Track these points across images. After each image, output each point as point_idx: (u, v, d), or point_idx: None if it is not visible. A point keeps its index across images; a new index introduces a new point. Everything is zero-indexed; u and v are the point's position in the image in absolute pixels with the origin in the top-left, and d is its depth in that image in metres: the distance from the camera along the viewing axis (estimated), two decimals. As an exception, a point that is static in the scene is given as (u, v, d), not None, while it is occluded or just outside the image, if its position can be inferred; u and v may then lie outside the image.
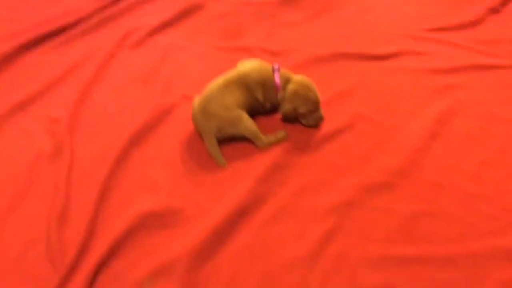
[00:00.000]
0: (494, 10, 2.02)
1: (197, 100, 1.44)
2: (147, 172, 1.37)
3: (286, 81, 1.45)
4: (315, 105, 1.43)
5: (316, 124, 1.48)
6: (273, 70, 1.47)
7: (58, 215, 1.25)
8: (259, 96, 1.46)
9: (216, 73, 1.68)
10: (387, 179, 1.37)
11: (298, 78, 1.45)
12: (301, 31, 1.89)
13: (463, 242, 1.23)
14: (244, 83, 1.44)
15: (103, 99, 1.57)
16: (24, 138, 1.44)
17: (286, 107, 1.43)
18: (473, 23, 1.95)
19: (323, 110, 1.55)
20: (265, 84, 1.45)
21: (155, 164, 1.39)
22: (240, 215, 1.27)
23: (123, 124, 1.48)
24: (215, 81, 1.45)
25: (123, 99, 1.58)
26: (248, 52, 1.79)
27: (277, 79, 1.45)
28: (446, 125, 1.53)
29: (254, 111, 1.48)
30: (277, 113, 1.51)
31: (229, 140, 1.45)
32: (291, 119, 1.47)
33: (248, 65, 1.47)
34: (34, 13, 1.88)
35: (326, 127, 1.50)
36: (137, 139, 1.44)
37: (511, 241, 1.22)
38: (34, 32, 1.78)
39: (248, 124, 1.42)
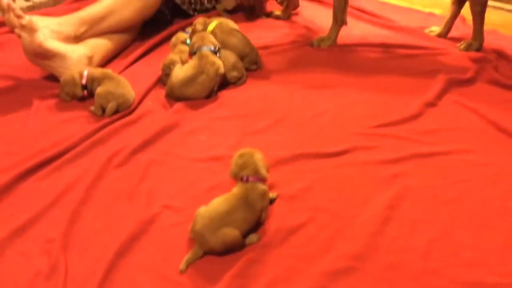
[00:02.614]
0: (431, 104, 2.32)
1: (204, 213, 1.58)
2: (133, 279, 1.52)
3: None
4: None
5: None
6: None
7: (55, 328, 1.38)
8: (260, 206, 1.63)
9: (192, 182, 1.90)
10: (348, 264, 1.54)
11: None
12: (265, 138, 2.14)
13: (420, 316, 1.38)
14: (246, 200, 1.60)
15: (92, 216, 1.76)
16: (23, 260, 1.59)
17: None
18: (413, 117, 2.23)
19: (286, 206, 1.75)
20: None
21: (140, 271, 1.54)
22: (220, 312, 1.42)
23: (110, 237, 1.65)
24: (220, 200, 1.61)
25: (109, 215, 1.76)
26: (220, 160, 2.03)
27: None
28: (396, 209, 1.73)
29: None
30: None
31: None
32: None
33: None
34: (29, 146, 2.11)
35: (290, 221, 1.70)
36: (123, 250, 1.60)
37: (461, 309, 1.39)
38: (28, 162, 1.99)
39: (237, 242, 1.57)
